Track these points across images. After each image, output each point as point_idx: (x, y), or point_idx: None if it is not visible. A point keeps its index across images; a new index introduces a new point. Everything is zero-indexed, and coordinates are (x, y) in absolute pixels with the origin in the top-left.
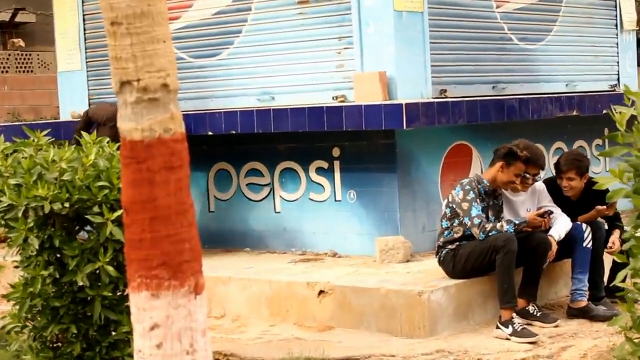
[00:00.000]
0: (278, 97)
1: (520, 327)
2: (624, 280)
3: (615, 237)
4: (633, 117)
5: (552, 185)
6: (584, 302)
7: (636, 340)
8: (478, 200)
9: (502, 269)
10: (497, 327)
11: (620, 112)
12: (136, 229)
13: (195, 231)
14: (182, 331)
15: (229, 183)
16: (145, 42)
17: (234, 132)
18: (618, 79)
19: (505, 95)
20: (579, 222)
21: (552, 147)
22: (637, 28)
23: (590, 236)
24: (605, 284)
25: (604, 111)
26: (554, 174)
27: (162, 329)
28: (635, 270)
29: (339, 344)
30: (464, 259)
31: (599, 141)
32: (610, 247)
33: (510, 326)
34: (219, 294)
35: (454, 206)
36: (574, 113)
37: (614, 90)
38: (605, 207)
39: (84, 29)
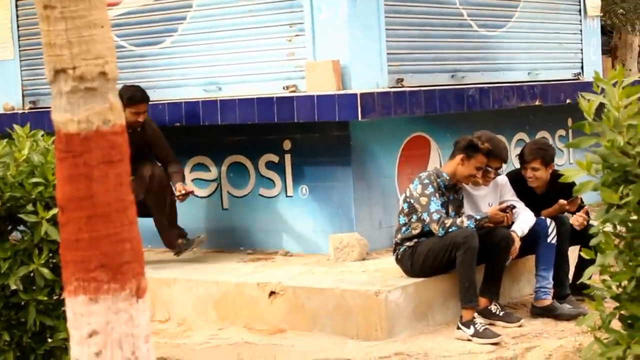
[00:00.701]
0: (225, 87)
1: (483, 328)
2: (590, 278)
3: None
4: (601, 106)
5: (516, 179)
6: (548, 300)
7: (605, 341)
8: (437, 194)
9: (463, 267)
10: (458, 328)
11: (588, 100)
12: (72, 228)
13: (136, 230)
14: (123, 338)
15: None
16: (82, 27)
17: (178, 124)
18: (582, 67)
19: (465, 85)
20: (543, 217)
21: (514, 138)
22: (601, 14)
23: (554, 231)
24: (571, 281)
25: (568, 101)
26: (517, 167)
27: (101, 335)
28: (603, 266)
29: (291, 348)
30: (423, 256)
31: (562, 132)
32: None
33: (472, 327)
34: (162, 296)
35: (412, 201)
36: (537, 103)
37: (578, 79)
38: (568, 201)
39: (17, 15)
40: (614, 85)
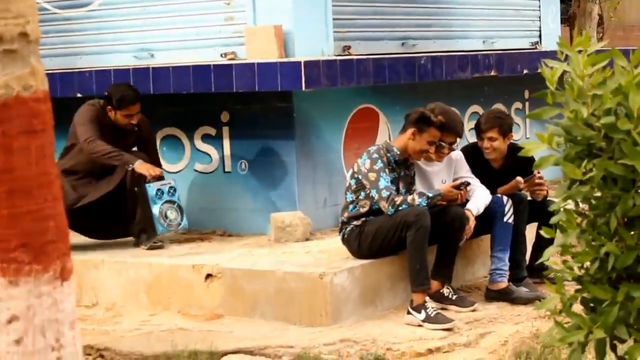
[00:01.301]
0: (158, 54)
1: (434, 312)
2: (549, 259)
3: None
4: (563, 77)
5: (471, 153)
6: (504, 283)
7: (566, 325)
8: (387, 170)
9: (414, 248)
10: (409, 313)
11: (551, 68)
12: None
13: (61, 207)
14: (46, 324)
15: None
16: None
17: (106, 94)
18: (540, 36)
19: (416, 53)
20: (499, 195)
21: (468, 111)
22: None
23: (511, 210)
24: (528, 263)
25: (525, 71)
26: (472, 141)
27: (22, 321)
28: (564, 247)
29: (229, 335)
30: (371, 236)
31: (519, 104)
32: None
33: (423, 311)
34: (89, 279)
35: (360, 177)
36: (492, 73)
37: (536, 48)
38: (525, 180)
39: None
40: (579, 52)
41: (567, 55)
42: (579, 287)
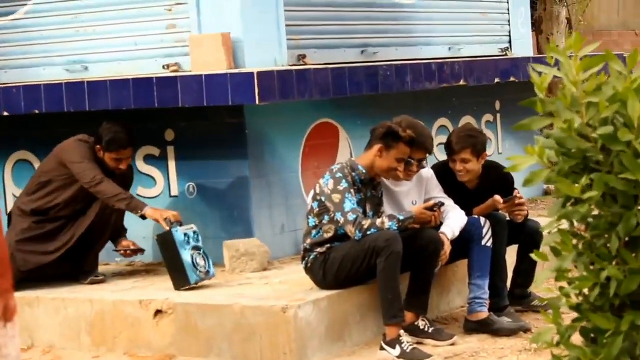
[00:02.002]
0: (92, 66)
1: (410, 347)
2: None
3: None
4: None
5: (442, 172)
6: (484, 313)
7: (565, 359)
8: (352, 191)
9: (385, 276)
10: (382, 349)
11: (541, 74)
12: None
13: (1, 237)
14: None
15: (31, 176)
16: None
17: (37, 111)
18: (510, 42)
19: (378, 62)
20: (476, 217)
21: (435, 124)
22: None
23: (489, 232)
24: (509, 289)
25: (496, 80)
26: (441, 159)
27: None
28: (560, 272)
29: None
30: (337, 264)
31: (489, 117)
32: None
33: (397, 346)
34: (23, 319)
35: (323, 199)
36: (462, 83)
37: (506, 55)
38: (504, 201)
39: None
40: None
41: (557, 61)
42: (577, 316)
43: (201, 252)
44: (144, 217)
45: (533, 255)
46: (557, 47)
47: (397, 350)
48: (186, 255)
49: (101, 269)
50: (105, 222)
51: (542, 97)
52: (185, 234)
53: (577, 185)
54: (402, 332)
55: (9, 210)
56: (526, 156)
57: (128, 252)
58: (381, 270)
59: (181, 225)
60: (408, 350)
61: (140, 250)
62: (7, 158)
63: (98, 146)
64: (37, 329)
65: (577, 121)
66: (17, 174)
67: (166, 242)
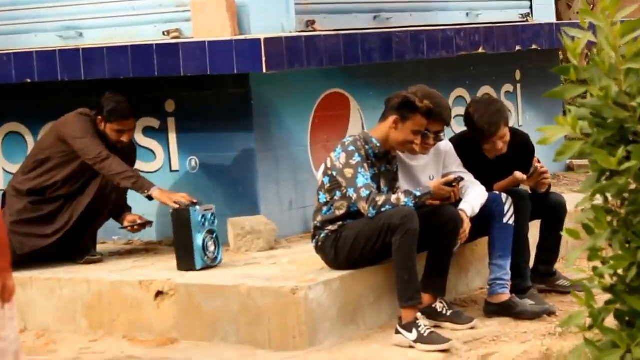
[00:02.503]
0: (87, 32)
1: (428, 331)
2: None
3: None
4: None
5: (462, 145)
6: (505, 295)
7: (598, 344)
8: (366, 165)
9: (401, 256)
10: (398, 332)
11: (574, 38)
12: None
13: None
14: None
15: (23, 150)
16: None
17: (29, 80)
18: (531, 7)
19: (391, 28)
20: (497, 192)
21: (452, 95)
22: None
23: (511, 209)
24: (531, 268)
25: (517, 48)
26: (459, 130)
27: None
28: (593, 250)
29: None
30: (350, 243)
31: (509, 87)
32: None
33: (414, 330)
34: (17, 300)
35: (335, 173)
36: (480, 50)
37: (527, 21)
38: (528, 175)
39: None
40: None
41: (591, 24)
42: (611, 297)
43: (214, 235)
44: (150, 198)
45: (563, 233)
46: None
47: (414, 334)
48: (199, 238)
49: (98, 248)
50: (104, 200)
51: (575, 63)
52: (203, 216)
53: (613, 157)
54: (419, 314)
55: (0, 185)
56: (557, 127)
57: (135, 227)
58: (396, 249)
59: (196, 205)
60: (425, 334)
61: (149, 223)
62: None
63: (99, 117)
64: (31, 311)
65: (614, 89)
66: (7, 147)
67: (180, 220)
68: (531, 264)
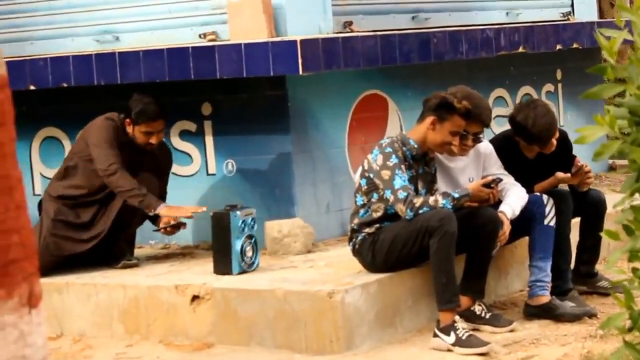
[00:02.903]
0: (124, 36)
1: (466, 334)
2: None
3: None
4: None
5: (503, 146)
6: (546, 297)
7: (639, 347)
8: (403, 167)
9: (439, 258)
10: (435, 335)
11: (609, 38)
12: None
13: (26, 217)
14: None
15: (60, 155)
16: None
17: (65, 84)
18: (572, 5)
19: (429, 28)
20: (538, 194)
21: (491, 95)
22: None
23: (552, 211)
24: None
25: (558, 47)
26: (503, 132)
27: None
28: (634, 251)
29: None
30: (387, 246)
31: (550, 87)
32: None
33: (452, 333)
34: (52, 306)
35: (372, 175)
36: (520, 50)
37: (568, 20)
38: (574, 172)
39: None
40: None
41: (626, 23)
42: None
43: (252, 240)
44: (156, 217)
45: (602, 234)
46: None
47: (452, 338)
48: (237, 243)
49: (136, 252)
50: (134, 207)
51: (612, 62)
52: (243, 221)
53: None
54: (457, 317)
55: (36, 191)
56: (595, 127)
57: (168, 228)
58: (434, 252)
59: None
60: (464, 338)
61: (182, 224)
62: (34, 135)
63: (127, 120)
64: (67, 316)
65: None
66: (44, 152)
67: (220, 225)
68: (572, 264)
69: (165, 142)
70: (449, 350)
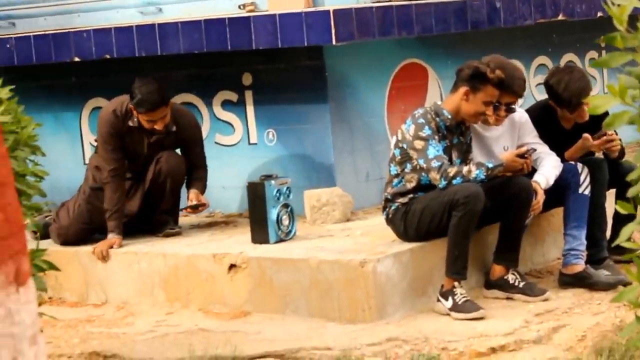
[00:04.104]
0: (166, 8)
1: (463, 300)
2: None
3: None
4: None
5: (541, 115)
6: (580, 265)
7: None
8: (436, 137)
9: (456, 231)
10: (438, 300)
11: (618, 5)
12: None
13: (12, 194)
14: (0, 340)
15: None
16: None
17: (108, 56)
18: None
19: None
20: (572, 163)
21: (534, 63)
22: None
23: (587, 179)
24: (608, 239)
25: (599, 14)
26: (539, 101)
27: None
28: None
29: (257, 336)
30: (418, 216)
31: (593, 54)
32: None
33: (450, 298)
34: (96, 274)
35: (405, 146)
36: (560, 17)
37: None
38: (594, 137)
39: None
40: None
41: None
42: None
43: (289, 209)
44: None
45: (617, 207)
46: None
47: (450, 302)
48: (273, 212)
49: (181, 220)
50: (160, 185)
51: (622, 30)
52: (278, 190)
53: None
54: (456, 283)
55: (86, 160)
56: (608, 96)
57: (188, 209)
58: (454, 224)
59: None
60: (460, 303)
61: (202, 205)
62: (83, 105)
63: (131, 106)
64: (111, 284)
65: None
66: (93, 122)
67: (256, 194)
68: (608, 234)
69: (186, 113)
70: (447, 314)
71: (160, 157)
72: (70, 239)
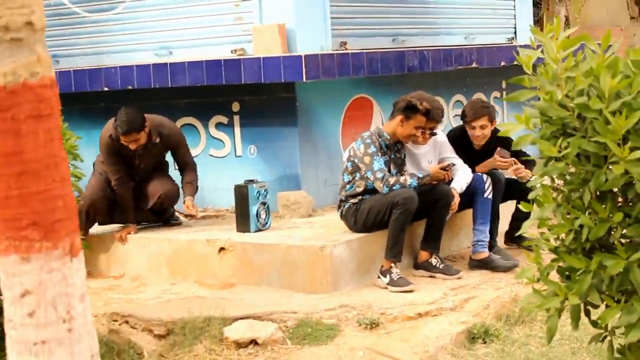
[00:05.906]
0: (176, 51)
1: (397, 277)
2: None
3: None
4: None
5: (458, 137)
6: (485, 253)
7: (543, 292)
8: (379, 153)
9: (395, 225)
10: (378, 277)
11: (526, 55)
12: (2, 185)
13: (69, 187)
14: (57, 297)
15: None
16: None
17: (130, 87)
18: (515, 32)
19: (405, 48)
20: (480, 174)
21: (452, 99)
22: None
23: (490, 187)
24: (506, 233)
25: (502, 63)
26: (457, 126)
27: (34, 295)
28: (541, 220)
29: (240, 302)
30: (366, 213)
31: (497, 93)
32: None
33: (387, 275)
34: (118, 253)
35: (356, 160)
36: (474, 65)
37: (511, 43)
38: (496, 152)
39: None
40: (551, 39)
41: (539, 44)
42: (555, 257)
43: (265, 206)
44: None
45: (520, 206)
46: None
47: (387, 279)
48: (254, 208)
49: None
50: (145, 198)
51: (529, 73)
52: (258, 191)
53: (556, 146)
54: (393, 265)
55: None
56: (515, 123)
57: (183, 215)
58: (393, 220)
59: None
60: (395, 279)
61: (192, 216)
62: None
63: (113, 127)
64: (128, 261)
65: (557, 93)
66: None
67: (241, 194)
68: (506, 229)
69: (166, 123)
70: (385, 287)
71: (161, 195)
72: (102, 218)
